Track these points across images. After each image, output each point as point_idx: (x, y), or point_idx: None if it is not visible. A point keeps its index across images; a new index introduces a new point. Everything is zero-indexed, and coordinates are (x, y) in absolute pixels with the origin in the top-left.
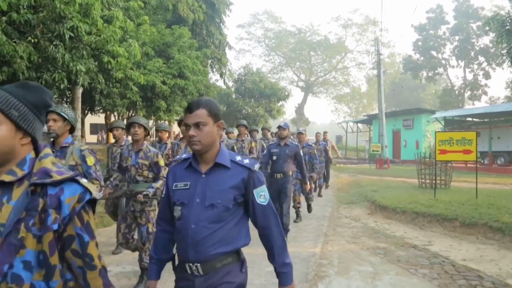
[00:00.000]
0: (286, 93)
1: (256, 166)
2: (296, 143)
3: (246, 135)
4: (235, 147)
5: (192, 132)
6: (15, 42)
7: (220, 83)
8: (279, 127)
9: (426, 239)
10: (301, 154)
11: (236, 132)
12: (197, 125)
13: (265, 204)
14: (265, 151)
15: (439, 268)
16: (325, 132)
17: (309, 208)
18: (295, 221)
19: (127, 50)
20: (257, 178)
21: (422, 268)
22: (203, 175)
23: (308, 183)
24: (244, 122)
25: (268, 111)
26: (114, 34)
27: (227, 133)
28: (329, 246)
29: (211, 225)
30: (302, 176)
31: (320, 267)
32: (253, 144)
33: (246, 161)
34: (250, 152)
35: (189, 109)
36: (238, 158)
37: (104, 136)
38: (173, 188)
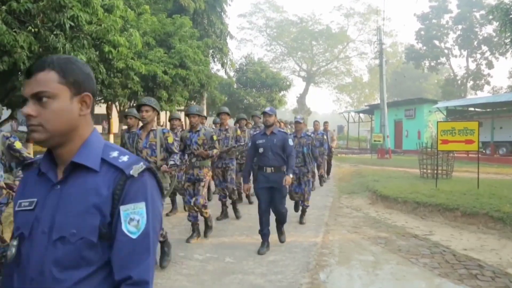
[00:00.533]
0: (288, 83)
1: (136, 168)
2: (284, 131)
3: (246, 125)
4: (214, 137)
5: (27, 109)
6: (15, 31)
7: (221, 73)
8: (264, 113)
9: (427, 228)
10: (291, 143)
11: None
12: (37, 98)
13: (134, 237)
14: (249, 143)
15: (440, 258)
16: (325, 122)
17: (301, 217)
18: (296, 211)
19: (128, 40)
20: (133, 188)
21: (423, 257)
22: (58, 186)
23: (291, 176)
24: (226, 109)
25: (270, 101)
26: (115, 24)
27: (214, 124)
28: (330, 236)
29: (64, 275)
30: (288, 167)
31: (321, 257)
32: (238, 132)
33: (124, 158)
34: (237, 141)
35: (28, 73)
36: (114, 154)
37: (106, 126)
38: (16, 209)
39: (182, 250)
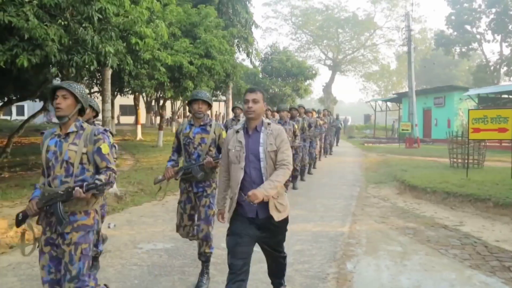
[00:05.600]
0: (314, 71)
1: None
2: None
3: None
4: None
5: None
6: (46, 25)
7: (246, 62)
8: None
9: (457, 219)
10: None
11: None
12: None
13: None
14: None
15: (470, 249)
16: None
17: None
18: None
19: (154, 31)
20: None
21: (453, 248)
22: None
23: None
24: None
25: (295, 90)
26: (141, 15)
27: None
28: (357, 226)
29: None
30: None
31: (348, 247)
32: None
33: None
34: None
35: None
36: None
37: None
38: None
39: None
